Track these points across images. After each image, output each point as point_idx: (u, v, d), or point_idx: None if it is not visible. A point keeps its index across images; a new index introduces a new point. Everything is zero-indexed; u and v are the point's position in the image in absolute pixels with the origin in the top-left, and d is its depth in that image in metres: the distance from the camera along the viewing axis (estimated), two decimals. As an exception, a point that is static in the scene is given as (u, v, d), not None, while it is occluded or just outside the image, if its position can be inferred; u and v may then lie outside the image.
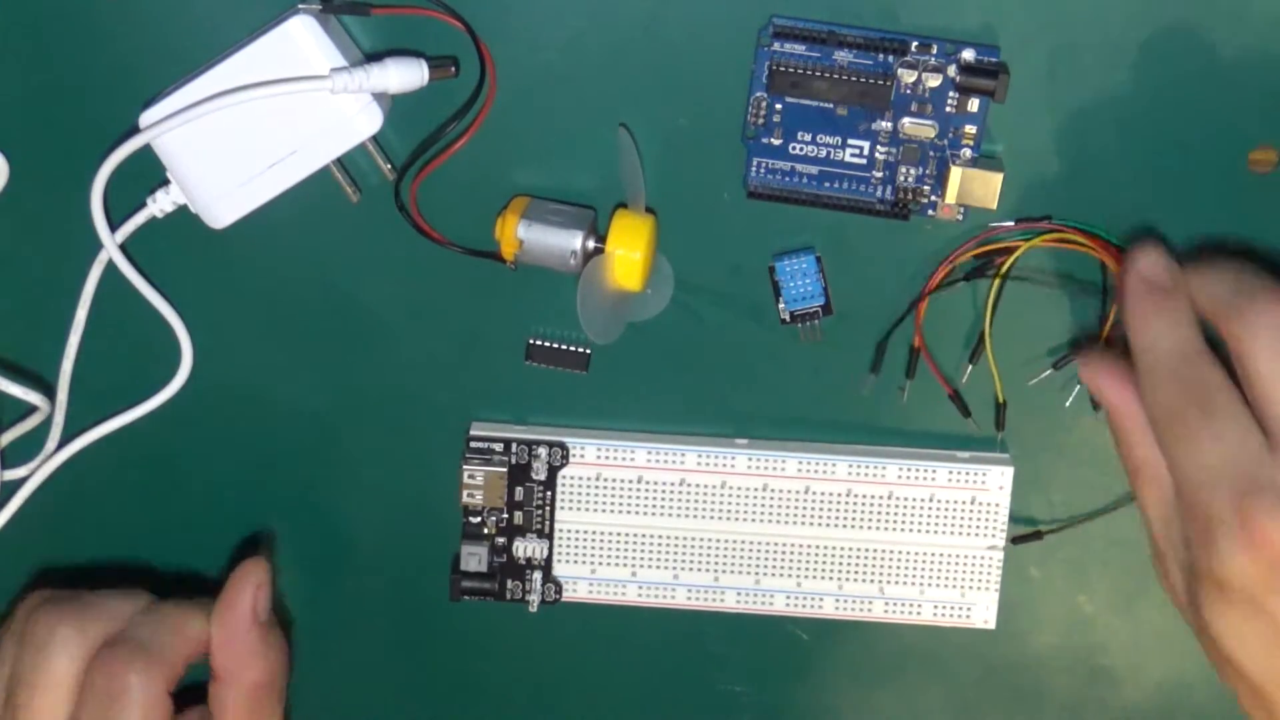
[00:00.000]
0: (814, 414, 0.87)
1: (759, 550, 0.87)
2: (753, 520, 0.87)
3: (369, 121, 0.77)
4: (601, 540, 0.87)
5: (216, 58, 0.76)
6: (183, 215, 0.80)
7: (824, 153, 0.80)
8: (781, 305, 0.83)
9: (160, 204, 0.80)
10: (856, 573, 0.87)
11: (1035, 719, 0.93)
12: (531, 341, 0.85)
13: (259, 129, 0.76)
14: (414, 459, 0.88)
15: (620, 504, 0.86)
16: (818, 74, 0.78)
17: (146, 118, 0.77)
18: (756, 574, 0.87)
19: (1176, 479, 0.73)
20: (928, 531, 0.87)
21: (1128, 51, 0.79)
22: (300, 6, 0.76)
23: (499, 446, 0.86)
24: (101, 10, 0.79)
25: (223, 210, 0.78)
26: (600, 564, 0.87)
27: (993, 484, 0.86)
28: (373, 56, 0.77)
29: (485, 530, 0.87)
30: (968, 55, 0.78)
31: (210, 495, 0.88)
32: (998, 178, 0.79)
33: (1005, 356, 0.84)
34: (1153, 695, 0.92)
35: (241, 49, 0.75)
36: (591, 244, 0.79)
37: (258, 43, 0.75)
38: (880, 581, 0.87)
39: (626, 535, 0.87)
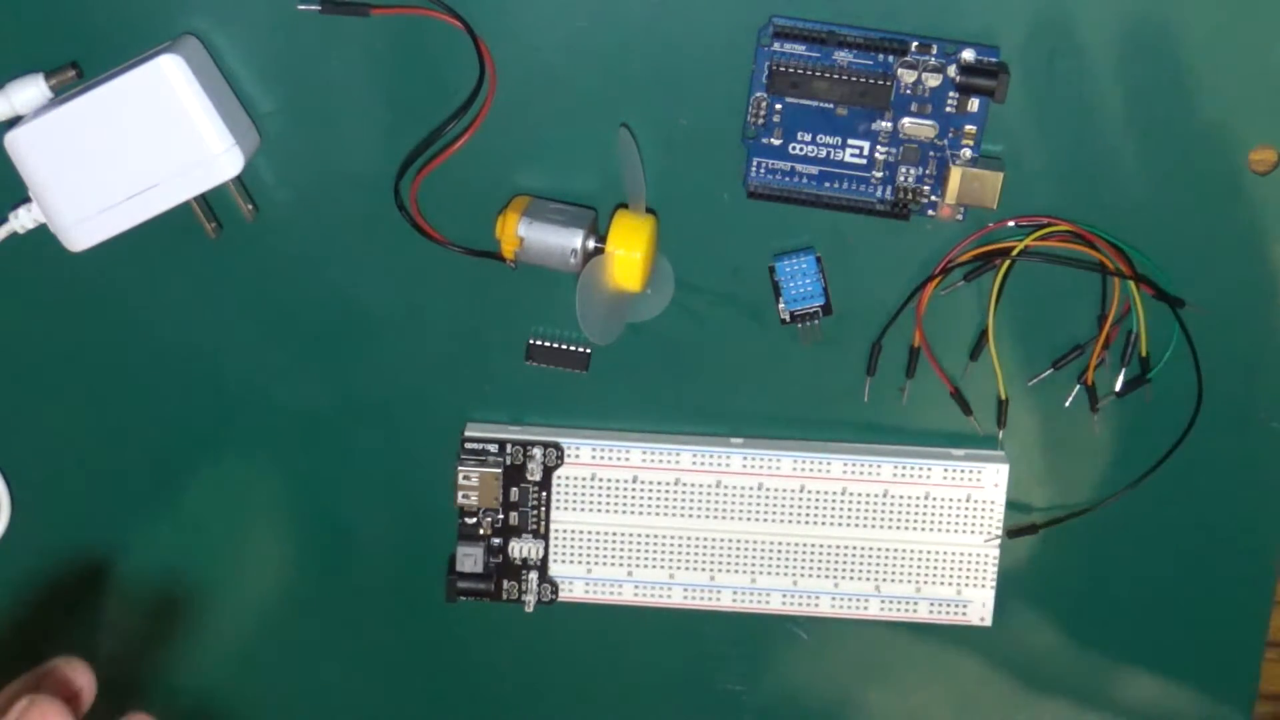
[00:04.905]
0: (814, 414, 0.87)
1: (755, 549, 0.87)
2: (748, 519, 0.87)
3: (231, 163, 0.77)
4: (597, 540, 0.87)
5: (90, 83, 0.77)
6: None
7: (824, 153, 0.80)
8: (781, 305, 0.83)
9: (21, 220, 0.80)
10: (852, 571, 0.87)
11: (1034, 717, 0.93)
12: (532, 341, 0.85)
13: (122, 160, 0.76)
14: (412, 459, 0.88)
15: (615, 504, 0.86)
16: (818, 74, 0.78)
17: (11, 138, 0.76)
18: (752, 573, 0.87)
19: None
20: (923, 529, 0.87)
21: (1127, 52, 0.79)
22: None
23: (494, 447, 0.86)
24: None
25: (80, 234, 0.78)
26: (596, 564, 0.87)
27: (988, 481, 0.86)
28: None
29: (481, 531, 0.87)
30: (968, 55, 0.78)
31: (206, 495, 0.88)
32: (998, 178, 0.79)
33: (1004, 356, 0.84)
34: (1152, 690, 0.92)
35: (113, 79, 0.75)
36: (592, 244, 0.79)
37: (128, 75, 0.75)
38: (876, 580, 0.88)
39: (622, 535, 0.87)
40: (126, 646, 0.91)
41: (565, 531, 0.87)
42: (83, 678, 0.68)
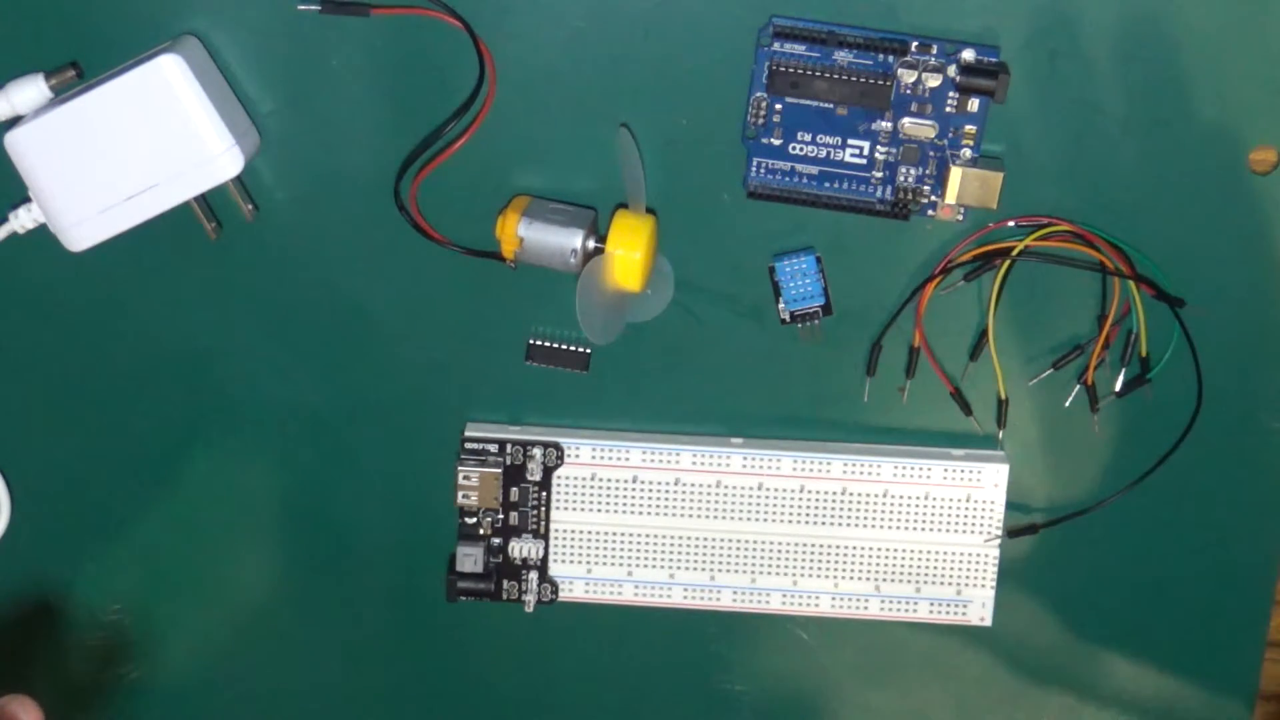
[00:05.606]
0: (814, 413, 0.87)
1: (754, 549, 0.87)
2: (748, 519, 0.87)
3: (231, 163, 0.77)
4: (597, 540, 0.87)
5: (90, 83, 0.77)
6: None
7: (824, 153, 0.80)
8: (781, 305, 0.83)
9: (21, 220, 0.80)
10: (852, 571, 0.87)
11: (1035, 716, 0.93)
12: (531, 341, 0.85)
13: (122, 160, 0.76)
14: (413, 460, 0.88)
15: (615, 504, 0.86)
16: (818, 74, 0.78)
17: (11, 138, 0.77)
18: (752, 573, 0.87)
19: None
20: (923, 529, 0.87)
21: (1128, 52, 0.79)
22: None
23: (494, 447, 0.86)
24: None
25: (80, 234, 0.78)
26: (596, 564, 0.87)
27: (988, 481, 0.86)
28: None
29: (481, 531, 0.87)
30: (968, 55, 0.78)
31: (206, 494, 0.88)
32: (998, 178, 0.79)
33: (1004, 356, 0.84)
34: (1153, 691, 0.92)
35: (113, 79, 0.75)
36: (592, 244, 0.79)
37: (128, 75, 0.75)
38: (876, 579, 0.88)
39: (622, 535, 0.87)
40: (125, 646, 0.91)
41: (565, 531, 0.87)
42: (31, 716, 0.67)
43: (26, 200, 0.79)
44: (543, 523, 0.87)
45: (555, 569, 0.87)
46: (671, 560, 0.87)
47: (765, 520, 0.87)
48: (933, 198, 0.81)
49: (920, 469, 0.86)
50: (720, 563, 0.87)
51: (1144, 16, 0.78)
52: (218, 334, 0.84)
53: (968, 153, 0.79)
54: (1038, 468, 0.88)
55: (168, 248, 0.82)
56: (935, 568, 0.87)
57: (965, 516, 0.87)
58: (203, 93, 0.75)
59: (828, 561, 0.87)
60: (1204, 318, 0.82)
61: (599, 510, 0.86)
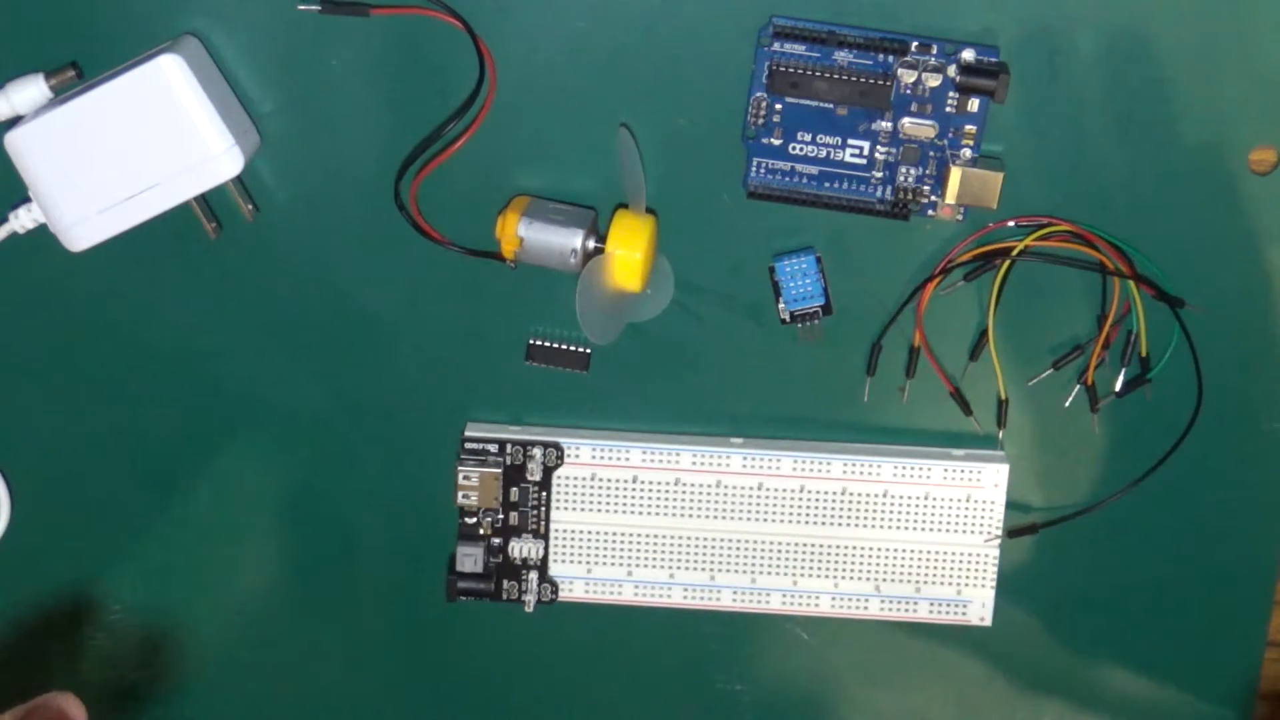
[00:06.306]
0: (814, 413, 0.87)
1: (754, 549, 0.87)
2: (748, 519, 0.87)
3: (231, 163, 0.77)
4: (597, 540, 0.87)
5: (90, 83, 0.77)
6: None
7: (824, 153, 0.80)
8: (781, 305, 0.83)
9: (21, 220, 0.80)
10: (852, 571, 0.87)
11: (1035, 716, 0.93)
12: (531, 341, 0.85)
13: (122, 160, 0.76)
14: (412, 460, 0.88)
15: (615, 504, 0.86)
16: (818, 74, 0.78)
17: (11, 138, 0.76)
18: (752, 573, 0.87)
19: None
20: (923, 529, 0.87)
21: (1128, 52, 0.79)
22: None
23: (494, 447, 0.85)
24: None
25: (80, 234, 0.78)
26: (596, 564, 0.87)
27: (988, 481, 0.86)
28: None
29: (481, 531, 0.87)
30: (968, 55, 0.78)
31: (206, 495, 0.88)
32: (998, 178, 0.79)
33: (1004, 356, 0.84)
34: (1152, 690, 0.92)
35: (113, 79, 0.75)
36: (592, 244, 0.79)
37: (128, 75, 0.75)
38: (876, 579, 0.87)
39: (622, 535, 0.87)
40: (125, 647, 0.91)
41: (565, 531, 0.87)
42: (75, 710, 0.67)
43: (26, 200, 0.79)
44: (543, 523, 0.87)
45: (555, 569, 0.87)
46: (671, 560, 0.87)
47: (765, 520, 0.87)
48: (933, 198, 0.81)
49: (920, 469, 0.86)
50: (720, 563, 0.87)
51: (1144, 17, 0.78)
52: (218, 334, 0.84)
53: (968, 153, 0.79)
54: (1038, 468, 0.88)
55: (168, 248, 0.82)
56: (935, 568, 0.87)
57: (965, 516, 0.87)
58: (203, 93, 0.75)
59: (828, 561, 0.87)
60: (1204, 318, 0.82)
61: (599, 510, 0.86)
